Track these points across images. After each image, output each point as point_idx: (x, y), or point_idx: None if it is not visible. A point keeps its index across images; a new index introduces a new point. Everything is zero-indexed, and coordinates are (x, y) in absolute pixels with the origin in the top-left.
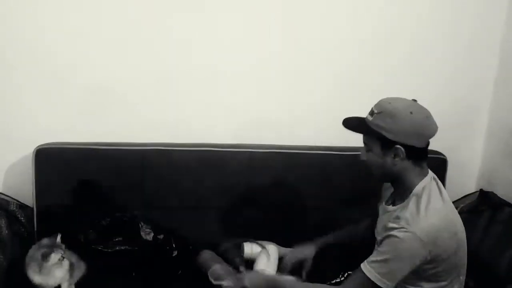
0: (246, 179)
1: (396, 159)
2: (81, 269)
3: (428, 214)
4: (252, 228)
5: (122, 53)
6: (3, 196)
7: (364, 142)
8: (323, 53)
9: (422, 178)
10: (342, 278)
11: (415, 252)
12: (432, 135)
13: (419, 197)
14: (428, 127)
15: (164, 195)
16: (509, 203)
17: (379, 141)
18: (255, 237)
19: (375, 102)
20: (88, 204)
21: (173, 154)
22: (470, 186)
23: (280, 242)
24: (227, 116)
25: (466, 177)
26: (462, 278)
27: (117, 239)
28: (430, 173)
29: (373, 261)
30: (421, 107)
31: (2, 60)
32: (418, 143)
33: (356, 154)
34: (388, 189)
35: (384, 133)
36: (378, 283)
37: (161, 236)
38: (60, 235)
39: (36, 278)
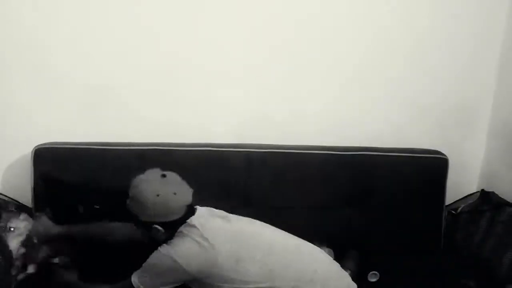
0: (245, 179)
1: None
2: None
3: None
4: None
5: (121, 53)
6: (1, 197)
7: None
8: (324, 53)
9: None
10: None
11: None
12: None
13: None
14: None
15: None
16: (510, 203)
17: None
18: None
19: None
20: (87, 204)
21: (172, 154)
22: (471, 186)
23: None
24: (227, 116)
25: (467, 177)
26: None
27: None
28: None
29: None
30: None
31: (0, 60)
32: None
33: (356, 154)
34: None
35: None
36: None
37: None
38: None
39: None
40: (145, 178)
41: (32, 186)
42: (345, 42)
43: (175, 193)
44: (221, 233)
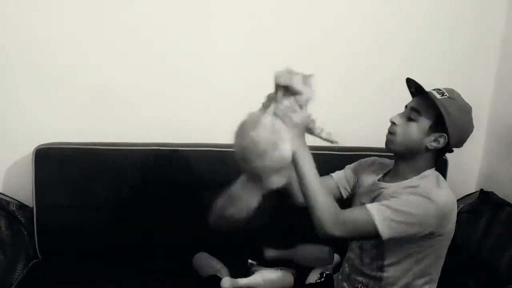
0: None
1: (433, 144)
2: None
3: (443, 191)
4: (251, 228)
5: (122, 53)
6: (3, 196)
7: (416, 109)
8: (324, 53)
9: (428, 169)
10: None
11: (427, 219)
12: (462, 145)
13: (429, 177)
14: (468, 138)
15: (163, 195)
16: (509, 203)
17: (435, 120)
18: (254, 238)
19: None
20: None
21: (173, 154)
22: (470, 186)
23: (280, 242)
24: (227, 116)
25: (466, 177)
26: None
27: None
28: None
29: (386, 205)
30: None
31: (1, 60)
32: (454, 145)
33: (356, 154)
34: (369, 167)
35: (447, 118)
36: (378, 227)
37: None
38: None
39: None
40: None
41: (33, 186)
42: (344, 42)
43: None
44: None
